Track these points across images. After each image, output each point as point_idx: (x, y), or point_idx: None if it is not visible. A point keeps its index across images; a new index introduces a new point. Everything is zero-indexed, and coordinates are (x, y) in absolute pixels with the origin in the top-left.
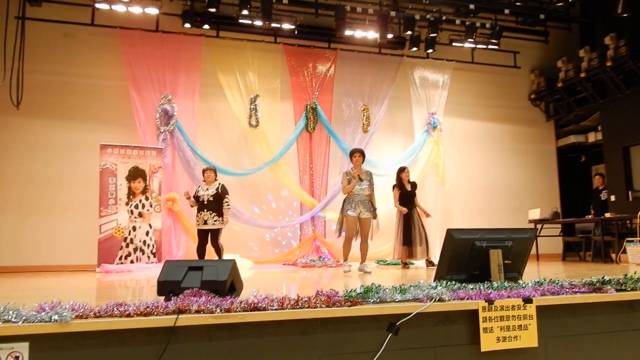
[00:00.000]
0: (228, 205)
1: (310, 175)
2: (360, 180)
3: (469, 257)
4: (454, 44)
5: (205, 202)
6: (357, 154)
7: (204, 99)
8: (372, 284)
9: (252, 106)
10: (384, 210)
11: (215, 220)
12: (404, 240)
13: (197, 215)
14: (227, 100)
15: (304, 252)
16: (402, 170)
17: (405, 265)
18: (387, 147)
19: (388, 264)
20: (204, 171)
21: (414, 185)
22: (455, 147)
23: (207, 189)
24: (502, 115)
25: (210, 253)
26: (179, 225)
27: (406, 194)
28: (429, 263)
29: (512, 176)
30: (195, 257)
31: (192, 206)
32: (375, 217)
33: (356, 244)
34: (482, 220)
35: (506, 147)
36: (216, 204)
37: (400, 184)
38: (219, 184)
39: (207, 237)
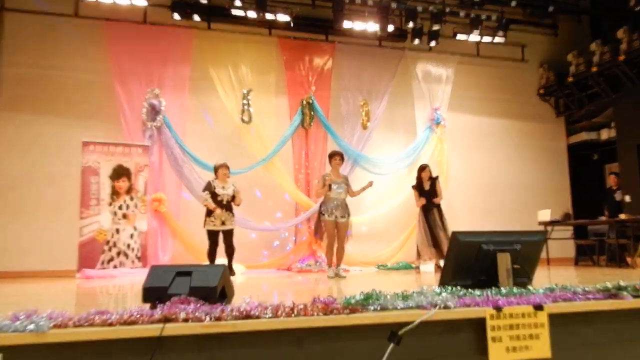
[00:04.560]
0: (240, 196)
1: (306, 174)
2: (336, 184)
3: (475, 261)
4: (458, 36)
5: (224, 202)
6: (337, 157)
7: (194, 94)
8: (373, 290)
9: (244, 101)
10: (381, 212)
11: (232, 221)
12: (433, 242)
13: (210, 216)
14: (219, 95)
15: (299, 256)
16: (422, 169)
17: (419, 269)
18: (387, 144)
19: (389, 269)
20: (219, 167)
21: (433, 182)
22: (459, 145)
23: (224, 188)
24: (510, 111)
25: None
26: (166, 228)
27: (424, 193)
28: (438, 268)
29: (521, 175)
30: (183, 261)
31: (213, 210)
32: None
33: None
34: (488, 222)
35: (514, 144)
36: (230, 204)
37: (418, 184)
38: (233, 184)
39: (218, 236)
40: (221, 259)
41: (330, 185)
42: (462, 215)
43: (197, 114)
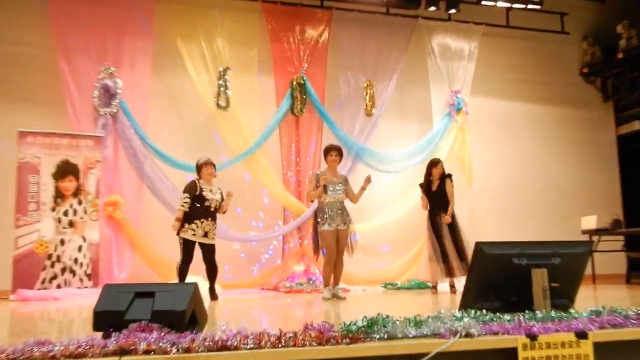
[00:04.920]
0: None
1: (296, 171)
2: (332, 184)
3: (504, 278)
4: (483, 2)
5: (212, 209)
6: (333, 153)
7: (158, 73)
8: (379, 314)
9: (220, 82)
10: (389, 218)
11: (214, 234)
12: (442, 256)
13: (191, 223)
14: (189, 75)
15: (288, 272)
16: (433, 164)
17: (435, 288)
18: (396, 135)
19: (399, 288)
20: (203, 166)
21: (443, 180)
22: (485, 136)
23: (212, 191)
24: (547, 95)
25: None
26: (123, 238)
27: (431, 195)
28: (452, 288)
29: (560, 173)
30: (145, 279)
31: (177, 233)
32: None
33: None
34: (520, 231)
35: (551, 135)
36: (217, 210)
37: (426, 182)
38: (219, 188)
39: (194, 250)
40: (193, 277)
41: (325, 187)
42: (488, 222)
43: (162, 97)
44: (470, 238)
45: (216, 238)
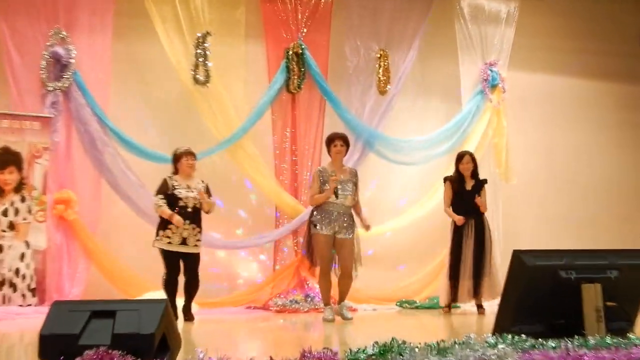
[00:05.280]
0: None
1: (292, 162)
2: (341, 184)
3: (548, 296)
4: None
5: (190, 209)
6: (338, 143)
7: (122, 40)
8: (393, 339)
9: (199, 51)
10: (407, 222)
11: (198, 240)
12: (450, 272)
13: (165, 229)
14: (159, 42)
15: (281, 287)
16: (460, 157)
17: (449, 308)
18: (417, 118)
19: (418, 307)
20: (181, 156)
21: (478, 183)
22: (527, 119)
23: (189, 188)
24: (603, 68)
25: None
26: (76, 245)
27: (463, 195)
28: (480, 308)
29: (617, 166)
30: (104, 295)
31: (170, 219)
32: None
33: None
34: (568, 237)
35: (607, 118)
36: (199, 211)
37: (456, 178)
38: (202, 181)
39: (179, 259)
40: (161, 293)
41: (336, 190)
42: (527, 225)
43: (127, 70)
44: (506, 245)
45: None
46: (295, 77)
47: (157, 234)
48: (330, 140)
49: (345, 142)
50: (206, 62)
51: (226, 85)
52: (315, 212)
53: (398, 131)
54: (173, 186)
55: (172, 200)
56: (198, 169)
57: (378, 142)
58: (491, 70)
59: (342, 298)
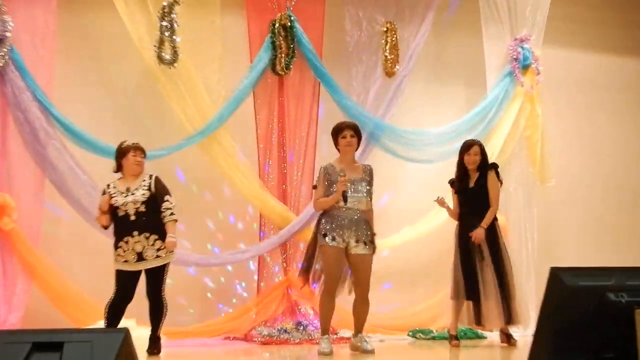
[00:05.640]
0: (173, 213)
1: (280, 157)
2: (353, 184)
3: (595, 323)
4: None
5: (133, 217)
6: (348, 133)
7: (69, 8)
8: None
9: (164, 23)
10: (420, 233)
11: (158, 250)
12: (466, 289)
13: (117, 248)
14: (116, 12)
15: (267, 313)
16: (466, 147)
17: (456, 339)
18: (432, 105)
19: (434, 338)
20: (126, 151)
21: (484, 174)
22: (564, 107)
23: (130, 190)
24: None
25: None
26: (13, 260)
27: (467, 193)
28: (506, 337)
29: None
30: (48, 323)
31: (105, 227)
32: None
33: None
34: (617, 252)
35: None
36: (152, 215)
37: (458, 175)
38: (150, 176)
39: (136, 283)
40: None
41: (345, 194)
42: (569, 237)
43: (76, 46)
44: (541, 260)
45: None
46: (283, 55)
47: (115, 252)
48: (338, 131)
49: (356, 133)
50: (173, 37)
51: (198, 66)
52: (323, 220)
53: (409, 121)
54: (108, 192)
55: (111, 211)
56: (169, 167)
57: (385, 135)
58: (522, 48)
59: (360, 328)
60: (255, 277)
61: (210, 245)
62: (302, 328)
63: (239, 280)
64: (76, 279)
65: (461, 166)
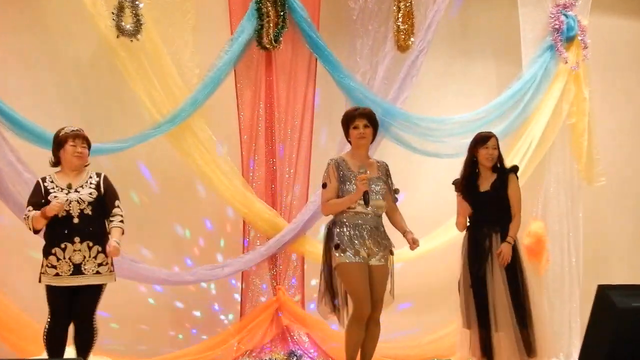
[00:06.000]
0: (123, 221)
1: (267, 152)
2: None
3: None
4: None
5: (77, 220)
6: (360, 122)
7: None
8: None
9: None
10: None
11: (100, 264)
12: (466, 316)
13: (49, 256)
14: None
15: (252, 341)
16: (482, 140)
17: None
18: (455, 86)
19: None
20: (65, 139)
21: (502, 175)
22: (617, 89)
23: (73, 186)
24: None
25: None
26: None
27: (479, 199)
28: None
29: None
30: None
31: (37, 231)
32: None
33: None
34: None
35: None
36: (97, 221)
37: (466, 174)
38: (97, 174)
39: (70, 301)
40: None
41: (366, 195)
42: (620, 248)
43: (17, 16)
44: (587, 276)
45: (119, 277)
46: (271, 25)
47: (42, 265)
48: (349, 119)
49: (371, 122)
50: (136, 2)
51: (167, 38)
52: (337, 230)
53: (426, 107)
54: (46, 190)
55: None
56: (132, 164)
57: (396, 123)
58: (566, 16)
59: (370, 356)
60: (238, 297)
61: (181, 258)
62: (295, 359)
63: (217, 302)
64: (20, 299)
65: (472, 164)
